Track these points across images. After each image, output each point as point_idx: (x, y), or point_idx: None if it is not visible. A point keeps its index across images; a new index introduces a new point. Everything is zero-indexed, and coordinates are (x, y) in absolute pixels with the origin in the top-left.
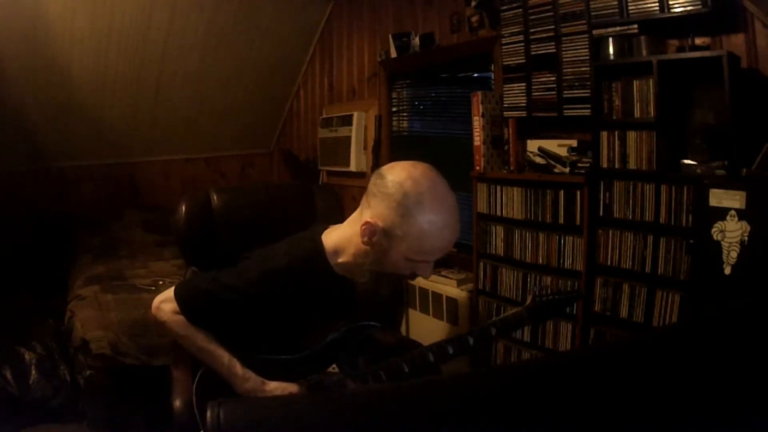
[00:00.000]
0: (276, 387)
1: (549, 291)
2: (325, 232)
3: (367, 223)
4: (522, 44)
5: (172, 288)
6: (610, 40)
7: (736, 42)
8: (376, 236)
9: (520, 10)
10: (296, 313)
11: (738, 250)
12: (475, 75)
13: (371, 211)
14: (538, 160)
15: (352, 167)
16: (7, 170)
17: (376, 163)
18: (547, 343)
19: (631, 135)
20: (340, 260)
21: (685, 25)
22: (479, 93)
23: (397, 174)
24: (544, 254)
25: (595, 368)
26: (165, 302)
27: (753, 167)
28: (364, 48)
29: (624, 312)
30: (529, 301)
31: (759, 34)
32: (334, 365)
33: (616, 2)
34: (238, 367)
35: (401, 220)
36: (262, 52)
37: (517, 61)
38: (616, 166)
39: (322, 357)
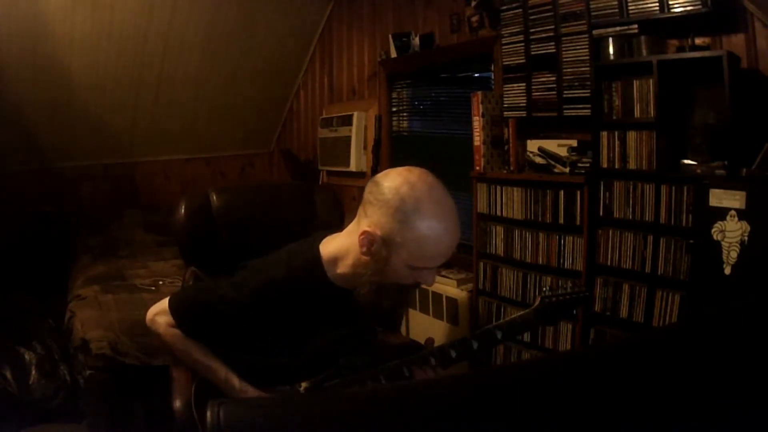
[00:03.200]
0: None
1: (558, 291)
2: (324, 241)
3: (365, 232)
4: (522, 44)
5: (167, 300)
6: (610, 40)
7: (736, 42)
8: (375, 245)
9: (520, 10)
10: (294, 323)
11: (738, 250)
12: (475, 75)
13: (368, 220)
14: (538, 160)
15: (352, 167)
16: (7, 170)
17: (376, 163)
18: (547, 343)
19: (631, 135)
20: (338, 271)
21: (685, 25)
22: (479, 93)
23: (393, 180)
24: (544, 254)
25: (595, 368)
26: (159, 315)
27: (753, 167)
28: (364, 48)
29: (624, 312)
30: (537, 302)
31: (759, 34)
32: (333, 369)
33: (616, 2)
34: (235, 380)
35: (400, 227)
36: (262, 52)
37: (517, 61)
38: (616, 166)
39: (321, 360)
